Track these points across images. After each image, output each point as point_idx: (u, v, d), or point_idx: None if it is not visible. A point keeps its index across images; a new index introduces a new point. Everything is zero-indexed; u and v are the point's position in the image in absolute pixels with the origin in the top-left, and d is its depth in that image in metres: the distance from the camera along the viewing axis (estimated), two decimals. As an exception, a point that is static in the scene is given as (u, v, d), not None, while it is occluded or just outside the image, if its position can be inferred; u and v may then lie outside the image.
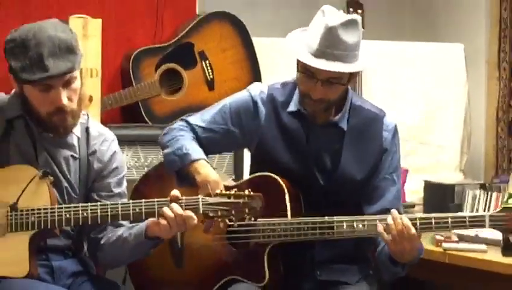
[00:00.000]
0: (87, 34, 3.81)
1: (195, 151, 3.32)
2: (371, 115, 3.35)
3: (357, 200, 3.31)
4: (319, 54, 3.12)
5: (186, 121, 3.43)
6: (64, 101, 3.04)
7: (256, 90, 3.39)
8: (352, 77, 3.25)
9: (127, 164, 3.85)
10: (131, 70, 4.33)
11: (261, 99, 3.37)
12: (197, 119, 3.43)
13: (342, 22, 3.10)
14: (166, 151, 3.41)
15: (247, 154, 3.80)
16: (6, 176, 3.13)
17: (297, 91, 3.30)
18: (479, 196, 4.18)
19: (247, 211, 3.00)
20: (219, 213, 3.00)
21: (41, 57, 2.99)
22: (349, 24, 3.14)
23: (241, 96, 3.44)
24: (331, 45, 3.12)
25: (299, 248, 3.26)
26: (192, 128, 3.39)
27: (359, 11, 4.30)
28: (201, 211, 2.97)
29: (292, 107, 3.30)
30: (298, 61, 3.17)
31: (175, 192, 2.99)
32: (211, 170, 3.27)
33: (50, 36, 3.05)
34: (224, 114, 3.42)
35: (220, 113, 3.42)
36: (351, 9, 4.26)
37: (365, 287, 3.28)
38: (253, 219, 3.04)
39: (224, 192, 3.06)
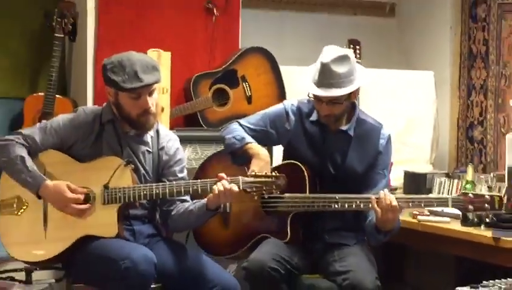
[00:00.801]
0: (160, 63, 3.76)
1: (249, 137, 3.56)
2: (371, 127, 3.57)
3: (357, 185, 3.48)
4: (319, 84, 3.39)
5: (238, 122, 3.66)
6: (150, 105, 3.32)
7: (289, 104, 3.62)
8: (351, 95, 3.43)
9: (188, 157, 4.11)
10: (191, 89, 4.44)
11: (291, 110, 3.59)
12: (246, 122, 3.66)
13: (333, 58, 3.37)
14: (227, 136, 3.61)
15: (275, 148, 3.93)
16: (100, 164, 3.38)
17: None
18: (444, 182, 4.33)
19: (274, 187, 3.22)
20: (254, 189, 3.24)
21: (136, 73, 3.24)
22: (340, 59, 3.39)
23: (278, 107, 3.67)
24: (326, 76, 3.37)
25: (313, 218, 3.48)
26: (242, 127, 3.62)
27: (357, 46, 4.38)
28: (241, 188, 3.21)
29: (313, 117, 3.53)
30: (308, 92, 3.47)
31: (222, 174, 3.24)
32: (262, 148, 3.51)
33: (139, 58, 3.32)
34: (264, 120, 3.66)
35: (262, 119, 3.66)
36: (351, 46, 4.30)
37: (359, 248, 3.48)
38: (279, 193, 3.31)
39: (257, 173, 3.29)
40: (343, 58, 3.39)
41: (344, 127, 3.51)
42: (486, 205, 3.20)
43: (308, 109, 3.57)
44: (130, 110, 3.34)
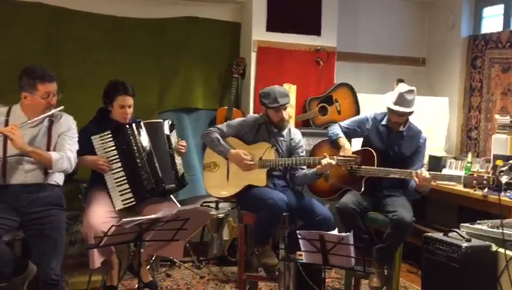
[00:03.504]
0: (290, 91, 3.84)
1: (341, 133, 3.54)
2: (416, 131, 3.52)
3: (404, 164, 3.39)
4: (396, 104, 3.37)
5: (338, 124, 3.64)
6: (285, 116, 3.38)
7: (369, 114, 3.59)
8: (411, 113, 3.40)
9: (305, 143, 3.76)
10: (306, 106, 4.49)
11: (370, 118, 3.58)
12: (343, 123, 3.63)
13: (406, 90, 3.35)
14: (329, 132, 3.60)
15: (354, 140, 3.76)
16: (257, 146, 3.41)
17: (386, 115, 3.49)
18: (452, 162, 4.20)
19: (354, 163, 3.24)
20: (343, 163, 3.26)
21: (276, 98, 3.30)
22: (410, 91, 3.36)
23: (362, 115, 3.66)
24: (401, 100, 3.35)
25: (377, 180, 3.41)
26: (340, 126, 3.61)
27: (402, 82, 4.03)
28: (336, 162, 3.22)
29: (384, 122, 3.51)
30: (388, 107, 3.40)
31: (325, 154, 3.24)
32: (346, 141, 3.51)
33: (278, 90, 3.36)
34: (354, 123, 3.63)
35: (353, 122, 3.64)
36: (399, 82, 4.22)
37: (402, 198, 3.38)
38: (357, 166, 3.33)
39: (345, 154, 3.30)
40: (411, 91, 3.36)
41: (401, 129, 3.47)
42: (485, 181, 3.12)
43: (380, 118, 3.53)
44: (273, 118, 3.39)
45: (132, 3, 4.28)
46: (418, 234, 3.44)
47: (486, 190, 3.49)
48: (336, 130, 3.59)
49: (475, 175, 3.22)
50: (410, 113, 3.39)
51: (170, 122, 3.49)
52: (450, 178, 3.48)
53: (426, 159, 4.33)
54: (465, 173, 3.78)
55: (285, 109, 3.37)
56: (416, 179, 3.19)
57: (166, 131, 3.43)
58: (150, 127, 3.34)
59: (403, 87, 3.39)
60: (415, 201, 3.45)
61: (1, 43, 3.88)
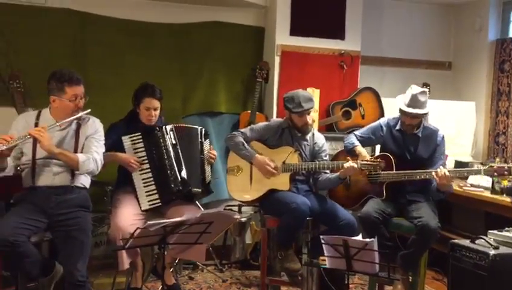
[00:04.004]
0: (313, 96, 3.66)
1: (357, 142, 3.56)
2: (431, 130, 3.49)
3: (423, 165, 3.34)
4: (409, 105, 3.37)
5: (354, 133, 3.66)
6: (309, 120, 3.40)
7: (382, 121, 3.62)
8: (424, 115, 3.40)
9: (328, 148, 3.76)
10: (330, 110, 4.47)
11: (384, 124, 3.58)
12: (358, 132, 3.65)
13: (418, 92, 3.34)
14: (345, 143, 3.64)
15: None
16: (281, 150, 3.41)
17: (400, 119, 3.49)
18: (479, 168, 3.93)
19: (378, 167, 3.24)
20: (366, 168, 3.27)
21: (300, 103, 3.33)
22: (422, 92, 3.36)
23: (375, 123, 3.66)
24: (414, 102, 3.35)
25: (399, 186, 3.40)
26: (355, 135, 3.63)
27: (428, 86, 4.39)
28: (359, 167, 3.23)
29: (397, 126, 3.51)
30: (400, 109, 3.41)
31: (348, 158, 3.30)
32: (363, 150, 3.52)
33: (302, 94, 3.38)
34: (368, 131, 3.64)
35: (367, 130, 3.65)
36: (424, 86, 4.29)
37: (427, 203, 3.36)
38: (379, 170, 3.33)
39: (367, 160, 3.28)
40: (423, 93, 3.37)
41: (416, 131, 3.45)
42: (505, 172, 3.11)
43: (394, 122, 3.54)
44: (297, 122, 3.41)
45: (156, 9, 4.34)
46: (444, 241, 3.42)
47: (508, 190, 3.50)
48: (351, 139, 3.59)
49: (495, 166, 3.15)
50: (424, 114, 3.37)
51: (204, 130, 3.52)
52: (469, 172, 3.46)
53: (452, 164, 4.33)
54: (493, 180, 3.72)
55: (309, 113, 3.38)
56: (437, 178, 3.16)
57: (201, 138, 3.47)
58: (185, 132, 3.40)
59: (415, 88, 3.37)
60: (440, 207, 3.41)
61: (31, 49, 3.98)
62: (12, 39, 3.89)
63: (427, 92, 3.38)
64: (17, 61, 3.86)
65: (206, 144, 3.52)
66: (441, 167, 3.23)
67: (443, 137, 3.47)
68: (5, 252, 2.63)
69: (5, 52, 3.84)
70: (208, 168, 3.49)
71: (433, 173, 3.19)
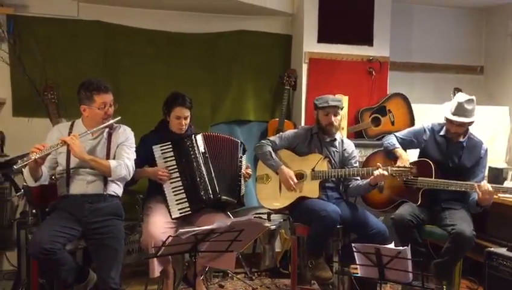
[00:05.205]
0: (342, 102, 3.63)
1: (397, 144, 3.54)
2: (476, 142, 3.48)
3: (464, 176, 3.36)
4: (455, 114, 3.35)
5: (394, 134, 3.64)
6: (334, 122, 3.41)
7: (426, 125, 3.59)
8: (471, 123, 3.38)
9: (357, 154, 3.77)
10: (359, 116, 4.45)
11: (427, 128, 3.56)
12: (399, 134, 3.63)
13: (465, 100, 3.33)
14: (385, 142, 3.61)
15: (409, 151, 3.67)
16: (310, 157, 3.45)
17: (444, 126, 3.47)
18: None
19: (409, 174, 3.24)
20: (397, 174, 3.26)
21: (327, 100, 3.37)
22: (469, 101, 3.34)
23: (419, 126, 3.63)
24: (460, 110, 3.33)
25: (435, 193, 3.38)
26: (396, 137, 3.61)
27: (460, 92, 3.95)
28: (390, 173, 3.24)
29: (442, 132, 3.48)
30: (445, 117, 3.37)
31: (379, 164, 3.27)
32: (404, 153, 3.50)
33: (332, 98, 3.46)
34: (411, 133, 3.62)
35: (409, 133, 3.63)
36: (456, 91, 4.17)
37: (463, 211, 3.34)
38: (411, 176, 3.31)
39: (400, 165, 3.29)
40: (470, 101, 3.34)
41: (461, 140, 3.44)
42: None
43: (438, 128, 3.52)
44: (322, 121, 3.43)
45: (184, 19, 4.39)
46: (479, 249, 3.36)
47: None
48: (392, 140, 3.58)
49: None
50: (470, 123, 3.34)
51: (243, 145, 3.58)
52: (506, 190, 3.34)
53: (486, 171, 4.04)
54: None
55: (335, 114, 3.39)
56: (479, 192, 3.13)
57: (240, 152, 3.53)
58: (222, 142, 3.46)
59: (461, 96, 3.36)
60: (474, 214, 3.38)
61: (64, 60, 4.09)
62: (47, 52, 3.99)
63: (474, 100, 3.32)
64: (51, 73, 3.96)
65: (244, 159, 3.56)
66: (484, 181, 3.20)
67: (487, 150, 3.43)
68: (41, 259, 2.70)
69: (41, 65, 3.94)
70: (242, 181, 3.53)
71: (476, 187, 3.15)
